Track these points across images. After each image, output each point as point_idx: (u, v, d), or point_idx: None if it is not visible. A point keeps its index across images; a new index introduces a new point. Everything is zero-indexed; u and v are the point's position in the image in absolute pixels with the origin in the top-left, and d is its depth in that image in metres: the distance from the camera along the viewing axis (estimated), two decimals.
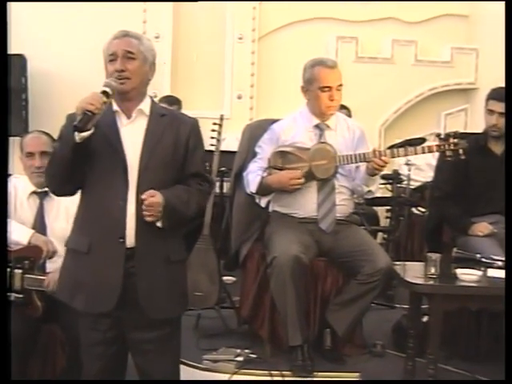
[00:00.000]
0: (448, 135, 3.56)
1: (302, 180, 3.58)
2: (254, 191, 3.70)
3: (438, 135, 3.57)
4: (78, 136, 2.32)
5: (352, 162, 3.61)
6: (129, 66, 2.47)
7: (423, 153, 3.59)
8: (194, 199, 2.56)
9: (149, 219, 2.40)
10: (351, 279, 3.61)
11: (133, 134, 2.48)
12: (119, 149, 2.45)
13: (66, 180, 2.47)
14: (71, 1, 5.98)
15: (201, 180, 2.61)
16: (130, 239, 2.44)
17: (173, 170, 2.53)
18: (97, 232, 2.46)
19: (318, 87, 3.65)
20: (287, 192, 3.64)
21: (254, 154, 3.82)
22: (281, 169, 3.61)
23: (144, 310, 2.45)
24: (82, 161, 2.41)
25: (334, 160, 3.62)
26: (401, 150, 3.62)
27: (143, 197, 2.38)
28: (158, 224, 2.43)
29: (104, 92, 2.38)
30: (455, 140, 3.54)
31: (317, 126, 3.75)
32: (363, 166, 3.67)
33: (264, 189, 3.68)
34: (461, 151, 3.55)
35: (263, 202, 3.79)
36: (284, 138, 3.72)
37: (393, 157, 3.62)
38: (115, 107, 2.51)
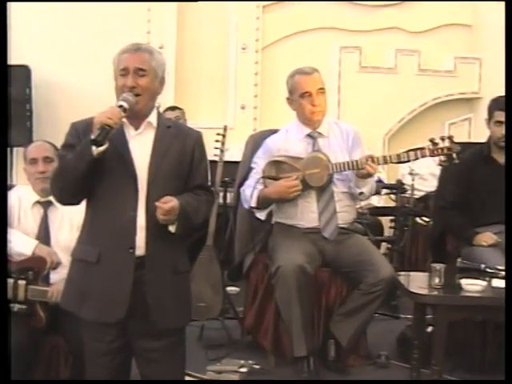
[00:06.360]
0: (441, 139, 3.54)
1: (300, 186, 3.57)
2: (253, 205, 3.68)
3: (432, 140, 3.55)
4: (96, 151, 2.33)
5: (345, 170, 3.60)
6: (140, 82, 2.47)
7: (416, 158, 3.58)
8: (203, 208, 2.60)
9: (165, 222, 2.41)
10: (354, 289, 3.60)
11: (141, 146, 2.49)
12: (129, 160, 2.46)
13: (77, 192, 2.47)
14: (71, 1, 5.96)
15: (205, 191, 2.65)
16: (139, 249, 2.46)
17: (179, 181, 2.54)
18: (106, 242, 2.46)
19: (299, 95, 3.69)
20: (287, 202, 3.63)
21: (251, 170, 3.82)
22: (275, 178, 3.60)
23: (152, 319, 2.46)
24: (93, 173, 2.41)
25: (327, 168, 3.62)
26: (393, 156, 3.62)
27: (158, 203, 2.38)
28: (171, 229, 2.45)
29: (121, 106, 2.39)
30: (448, 144, 3.52)
31: (309, 135, 3.75)
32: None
33: (263, 201, 3.68)
34: (454, 155, 3.53)
35: (263, 216, 3.77)
36: (278, 151, 3.72)
37: (385, 163, 3.67)
38: (123, 118, 2.51)
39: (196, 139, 2.62)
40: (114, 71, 2.52)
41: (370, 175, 3.56)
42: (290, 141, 3.76)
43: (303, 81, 3.68)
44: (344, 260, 3.63)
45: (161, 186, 2.47)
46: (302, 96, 3.68)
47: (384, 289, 3.50)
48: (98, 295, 2.46)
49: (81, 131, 2.46)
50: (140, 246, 2.46)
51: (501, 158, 3.94)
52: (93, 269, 2.47)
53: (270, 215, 3.80)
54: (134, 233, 2.44)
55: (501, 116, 3.88)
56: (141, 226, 2.45)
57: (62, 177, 2.44)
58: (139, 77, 2.47)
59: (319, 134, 3.75)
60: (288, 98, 3.78)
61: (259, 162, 3.76)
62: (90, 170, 2.37)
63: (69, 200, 2.56)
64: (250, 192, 3.66)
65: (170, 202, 2.39)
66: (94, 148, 2.32)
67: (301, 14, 6.43)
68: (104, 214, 2.48)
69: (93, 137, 2.31)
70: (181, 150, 2.55)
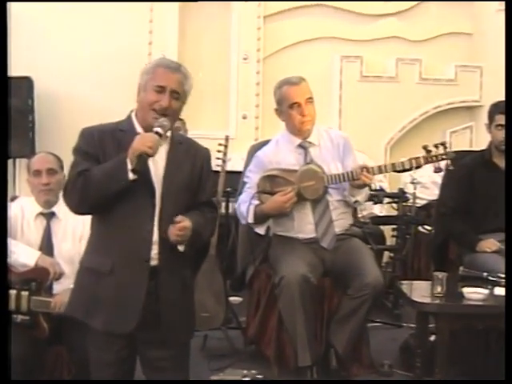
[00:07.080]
0: (435, 146, 3.55)
1: (295, 198, 3.57)
2: (251, 221, 3.67)
3: (425, 147, 3.55)
4: (132, 177, 2.36)
5: (340, 181, 3.60)
6: (172, 104, 2.50)
7: (411, 167, 3.58)
8: (209, 225, 2.65)
9: (177, 242, 2.45)
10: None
11: (155, 159, 2.49)
12: (146, 173, 2.46)
13: (97, 206, 2.47)
14: (72, 1, 5.98)
15: (211, 208, 2.69)
16: (151, 260, 2.48)
17: (188, 196, 2.57)
18: (122, 253, 2.47)
19: (288, 106, 3.67)
20: (284, 216, 3.63)
21: (244, 185, 3.81)
22: (270, 193, 3.59)
23: (162, 330, 2.49)
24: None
25: (322, 180, 3.61)
26: (388, 165, 3.63)
27: (178, 219, 2.42)
28: (180, 248, 2.48)
29: (157, 133, 2.41)
30: (442, 151, 3.53)
31: (300, 146, 3.74)
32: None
33: (260, 217, 3.67)
34: (449, 162, 3.53)
35: (262, 230, 3.77)
36: (270, 164, 3.71)
37: (380, 172, 3.65)
38: (139, 129, 2.53)
39: (204, 156, 2.66)
40: (145, 82, 2.52)
41: (365, 185, 3.57)
42: (281, 152, 3.75)
43: (291, 91, 3.66)
44: (340, 265, 3.62)
45: (173, 201, 2.50)
46: (291, 107, 3.66)
47: (370, 294, 3.46)
48: (109, 305, 2.47)
49: (96, 138, 2.47)
50: (152, 257, 2.48)
51: (502, 163, 3.93)
52: (105, 279, 2.47)
53: (268, 228, 3.79)
54: (150, 245, 2.47)
55: (502, 119, 3.88)
56: (154, 240, 2.47)
57: (85, 191, 2.41)
58: (173, 99, 2.49)
59: (310, 143, 3.74)
60: (277, 109, 3.76)
61: (252, 176, 3.74)
62: (120, 191, 2.39)
63: (85, 211, 2.57)
64: (246, 208, 3.64)
65: (183, 222, 2.42)
66: (131, 175, 2.35)
67: (302, 24, 6.46)
68: (119, 227, 2.48)
69: (131, 166, 2.34)
70: (191, 166, 2.58)
